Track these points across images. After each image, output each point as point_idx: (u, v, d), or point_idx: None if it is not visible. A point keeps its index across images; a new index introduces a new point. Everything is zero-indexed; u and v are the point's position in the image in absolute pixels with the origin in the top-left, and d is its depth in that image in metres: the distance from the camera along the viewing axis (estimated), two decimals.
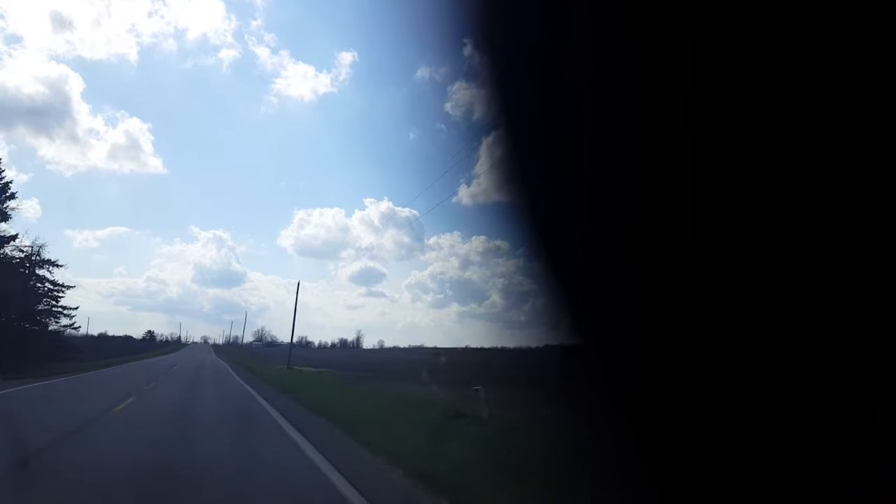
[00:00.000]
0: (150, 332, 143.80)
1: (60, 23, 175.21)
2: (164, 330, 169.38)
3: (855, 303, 0.73)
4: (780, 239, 0.78)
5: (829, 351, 0.75)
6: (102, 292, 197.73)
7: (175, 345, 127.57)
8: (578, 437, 0.98)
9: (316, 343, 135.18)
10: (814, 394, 0.76)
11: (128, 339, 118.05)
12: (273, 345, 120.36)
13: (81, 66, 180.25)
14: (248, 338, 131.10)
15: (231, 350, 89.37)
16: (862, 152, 0.73)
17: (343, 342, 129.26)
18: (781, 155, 0.78)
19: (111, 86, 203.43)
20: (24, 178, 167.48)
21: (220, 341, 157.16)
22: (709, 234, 0.84)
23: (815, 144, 0.75)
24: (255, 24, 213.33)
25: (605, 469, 0.94)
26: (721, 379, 0.82)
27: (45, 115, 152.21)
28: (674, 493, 0.87)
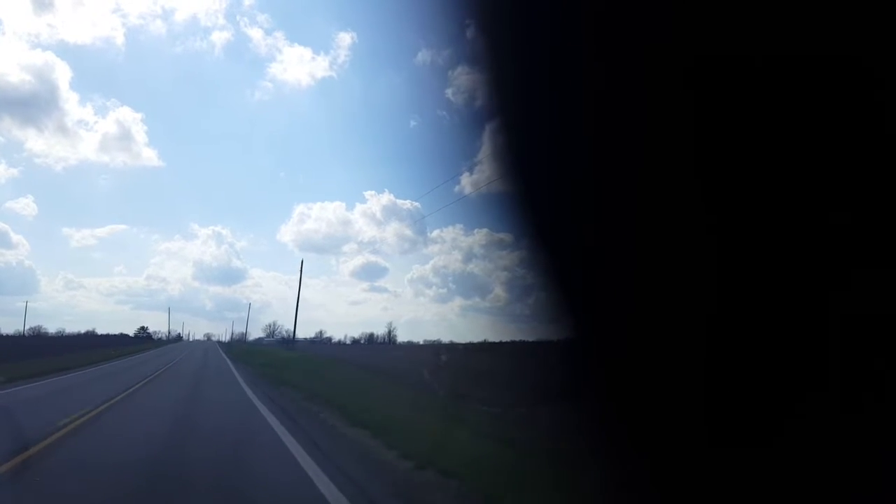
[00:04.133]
0: (143, 328, 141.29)
1: (40, 4, 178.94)
2: (166, 328, 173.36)
3: (853, 304, 0.79)
4: (781, 240, 0.84)
5: (829, 351, 0.81)
6: (103, 291, 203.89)
7: (164, 342, 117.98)
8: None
9: (334, 338, 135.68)
10: (813, 394, 0.82)
11: (123, 336, 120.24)
12: (289, 341, 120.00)
13: (66, 50, 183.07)
14: (257, 333, 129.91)
15: (252, 351, 55.62)
16: (856, 156, 0.78)
17: (370, 337, 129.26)
18: (781, 153, 0.84)
19: (99, 72, 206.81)
20: (14, 172, 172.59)
21: (224, 338, 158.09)
22: (711, 230, 0.90)
23: (809, 140, 0.81)
24: (247, 2, 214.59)
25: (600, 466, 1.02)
26: (721, 377, 0.88)
27: (31, 104, 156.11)
28: (673, 493, 0.94)
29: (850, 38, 0.77)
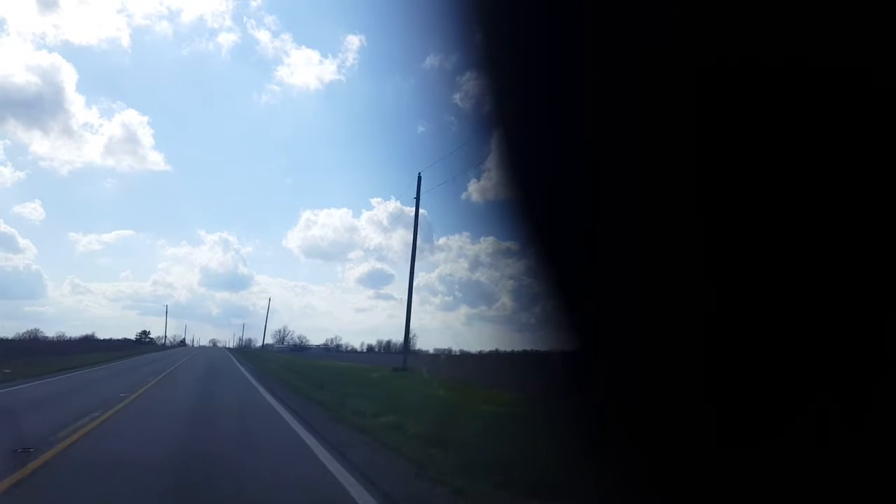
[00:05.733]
0: (145, 332, 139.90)
1: (45, 4, 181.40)
2: (172, 333, 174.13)
3: (855, 305, 0.81)
4: (782, 243, 0.87)
5: (832, 350, 0.83)
6: (110, 296, 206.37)
7: (166, 347, 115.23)
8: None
9: (349, 346, 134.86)
10: (818, 393, 0.84)
11: (126, 341, 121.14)
12: (302, 348, 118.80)
13: (71, 51, 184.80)
14: (266, 339, 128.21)
15: (300, 366, 35.69)
16: (856, 159, 0.81)
17: (387, 344, 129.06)
18: (783, 158, 0.86)
19: (104, 74, 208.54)
20: (20, 175, 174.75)
21: (230, 344, 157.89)
22: (715, 236, 0.92)
23: (812, 142, 0.83)
24: (254, 4, 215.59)
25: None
26: (726, 380, 0.90)
27: (36, 106, 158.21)
28: (673, 493, 0.96)
29: (850, 45, 0.79)
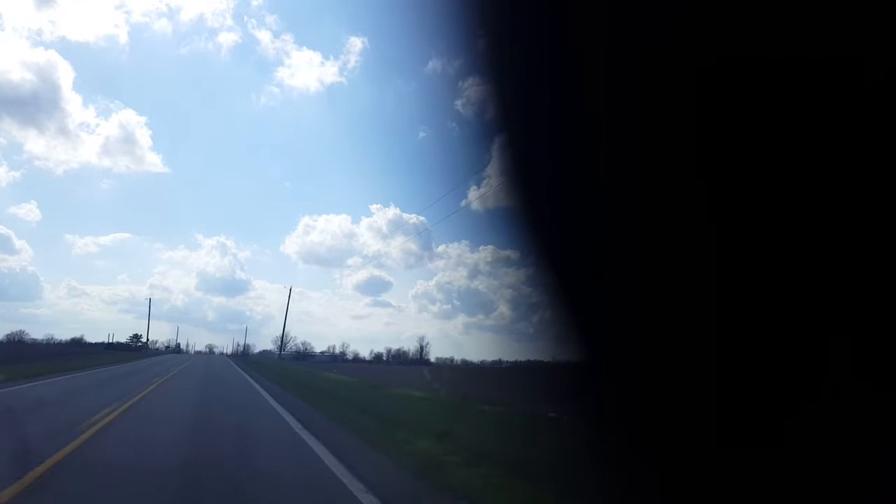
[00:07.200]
0: (136, 335, 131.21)
1: None
2: (167, 337, 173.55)
3: (856, 307, 0.82)
4: (786, 244, 0.87)
5: (835, 353, 0.84)
6: (107, 300, 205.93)
7: (158, 353, 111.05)
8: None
9: (352, 355, 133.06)
10: (820, 395, 0.85)
11: (119, 345, 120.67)
12: (306, 356, 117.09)
13: (68, 48, 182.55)
14: (263, 345, 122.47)
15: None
16: (858, 158, 0.82)
17: (397, 353, 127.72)
18: (790, 161, 0.87)
19: (102, 72, 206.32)
20: (15, 175, 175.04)
21: (227, 350, 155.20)
22: (718, 242, 0.93)
23: (815, 140, 0.84)
24: (255, 3, 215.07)
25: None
26: (729, 390, 0.91)
27: (31, 104, 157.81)
28: (677, 496, 0.97)
29: (853, 40, 0.81)
